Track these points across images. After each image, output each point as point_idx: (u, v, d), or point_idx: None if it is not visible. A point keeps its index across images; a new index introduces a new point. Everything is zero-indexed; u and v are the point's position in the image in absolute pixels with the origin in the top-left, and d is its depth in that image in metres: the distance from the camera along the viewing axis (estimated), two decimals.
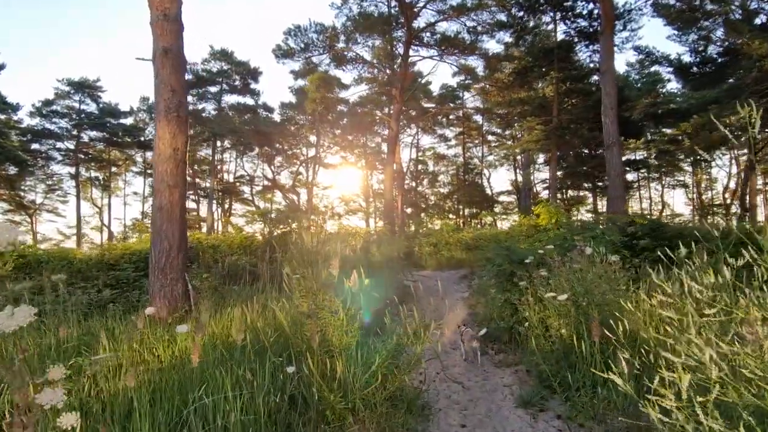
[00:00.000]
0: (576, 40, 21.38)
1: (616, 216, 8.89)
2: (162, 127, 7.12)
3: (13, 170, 39.30)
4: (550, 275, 4.81)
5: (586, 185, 33.19)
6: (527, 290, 4.82)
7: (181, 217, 7.25)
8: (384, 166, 24.22)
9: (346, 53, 23.63)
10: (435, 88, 41.28)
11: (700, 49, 21.15)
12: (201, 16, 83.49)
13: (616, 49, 16.28)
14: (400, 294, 10.14)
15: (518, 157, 45.80)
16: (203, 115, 37.51)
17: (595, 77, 21.79)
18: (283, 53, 22.20)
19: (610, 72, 12.75)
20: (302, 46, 22.06)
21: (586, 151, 28.31)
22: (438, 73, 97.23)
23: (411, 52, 22.08)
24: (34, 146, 40.29)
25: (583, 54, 22.29)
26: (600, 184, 31.57)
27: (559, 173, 43.06)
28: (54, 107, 39.26)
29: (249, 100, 37.99)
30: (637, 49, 23.78)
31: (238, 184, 45.89)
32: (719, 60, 20.03)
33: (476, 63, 23.34)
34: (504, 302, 5.91)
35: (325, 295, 4.28)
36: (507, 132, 45.26)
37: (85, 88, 39.47)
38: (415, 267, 14.58)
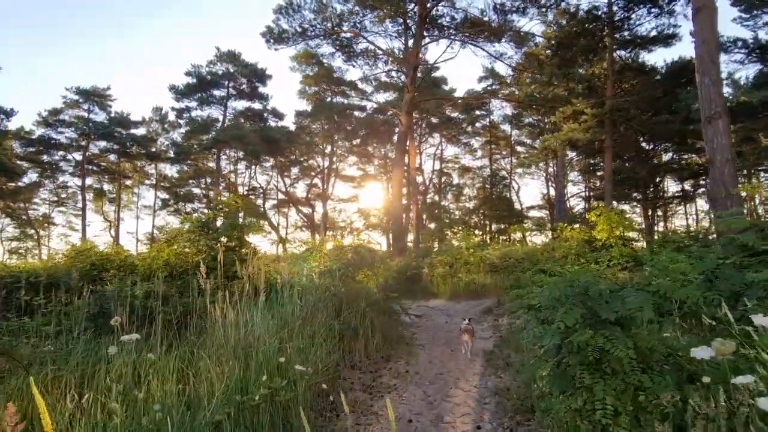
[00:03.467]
0: None
1: (732, 220, 5.30)
2: None
3: (21, 183, 38.10)
4: None
5: (635, 195, 28.84)
6: None
7: None
8: (393, 168, 20.76)
9: (354, 43, 20.42)
10: (459, 94, 37.97)
11: None
12: (209, 17, 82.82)
13: (689, 6, 12.50)
14: (388, 342, 6.71)
15: (551, 169, 42.06)
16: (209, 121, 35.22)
17: (660, 48, 17.67)
18: (275, 37, 18.92)
19: (708, 10, 8.85)
20: (298, 28, 18.74)
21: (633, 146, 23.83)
22: (462, 77, 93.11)
23: (426, 37, 18.82)
24: (42, 157, 38.80)
25: (644, 19, 17.99)
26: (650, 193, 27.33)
27: (597, 183, 39.07)
28: (61, 116, 37.56)
29: (257, 105, 35.43)
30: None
31: (252, 197, 43.42)
32: None
33: (505, 48, 19.71)
34: (576, 414, 2.46)
35: None
36: (537, 142, 41.66)
37: (94, 96, 37.72)
38: (424, 295, 11.12)
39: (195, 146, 35.59)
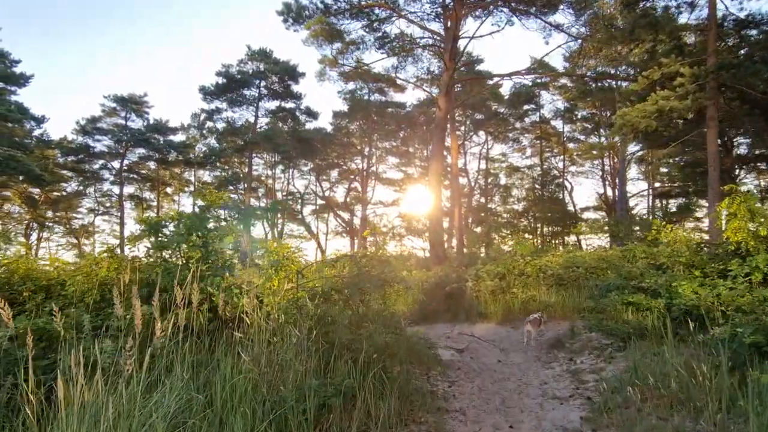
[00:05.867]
0: None
1: None
2: None
3: (63, 192, 38.32)
4: None
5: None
6: None
7: None
8: (429, 161, 18.21)
9: (385, 24, 18.03)
10: (505, 90, 34.89)
11: None
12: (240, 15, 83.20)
13: None
14: (406, 405, 4.26)
15: (606, 167, 38.39)
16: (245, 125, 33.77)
17: None
18: (294, 16, 16.65)
19: None
20: (320, 3, 16.52)
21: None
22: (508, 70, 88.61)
23: (466, 8, 16.22)
24: (83, 166, 38.76)
25: None
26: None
27: (658, 183, 35.07)
28: (99, 124, 37.27)
29: (289, 104, 33.74)
30: None
31: (290, 201, 41.97)
32: None
33: (563, 18, 16.67)
34: None
35: None
36: (593, 138, 38.02)
37: (131, 103, 37.27)
38: (467, 316, 8.57)
39: (227, 149, 34.36)
